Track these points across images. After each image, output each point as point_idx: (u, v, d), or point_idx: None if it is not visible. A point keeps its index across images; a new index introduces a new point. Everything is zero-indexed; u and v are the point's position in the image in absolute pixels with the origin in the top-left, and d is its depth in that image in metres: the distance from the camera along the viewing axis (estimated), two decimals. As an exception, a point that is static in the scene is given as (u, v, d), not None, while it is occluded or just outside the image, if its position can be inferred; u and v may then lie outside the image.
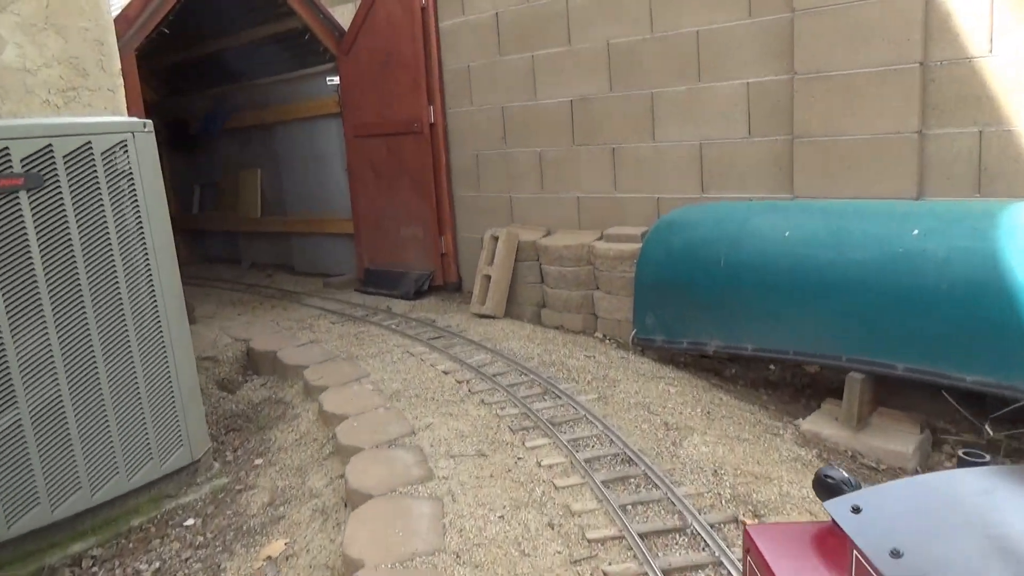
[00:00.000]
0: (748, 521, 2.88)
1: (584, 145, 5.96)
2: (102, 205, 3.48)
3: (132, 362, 3.56)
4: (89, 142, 3.46)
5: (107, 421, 3.47)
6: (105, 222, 3.49)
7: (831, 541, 1.30)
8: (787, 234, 3.91)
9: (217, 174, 10.07)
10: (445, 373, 4.67)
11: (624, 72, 5.61)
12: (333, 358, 5.16)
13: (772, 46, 4.82)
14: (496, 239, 6.18)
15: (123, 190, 3.60)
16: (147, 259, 3.69)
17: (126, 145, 3.65)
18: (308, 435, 4.20)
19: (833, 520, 1.24)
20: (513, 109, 6.40)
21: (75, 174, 3.39)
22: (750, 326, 4.14)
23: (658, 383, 4.33)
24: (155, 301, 3.71)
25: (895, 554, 1.05)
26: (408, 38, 6.77)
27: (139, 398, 3.60)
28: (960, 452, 1.33)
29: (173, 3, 6.26)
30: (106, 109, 5.97)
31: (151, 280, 3.70)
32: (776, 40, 4.79)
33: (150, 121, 3.84)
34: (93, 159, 3.47)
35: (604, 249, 5.48)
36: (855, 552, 1.12)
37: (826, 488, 1.32)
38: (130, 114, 6.26)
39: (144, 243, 3.68)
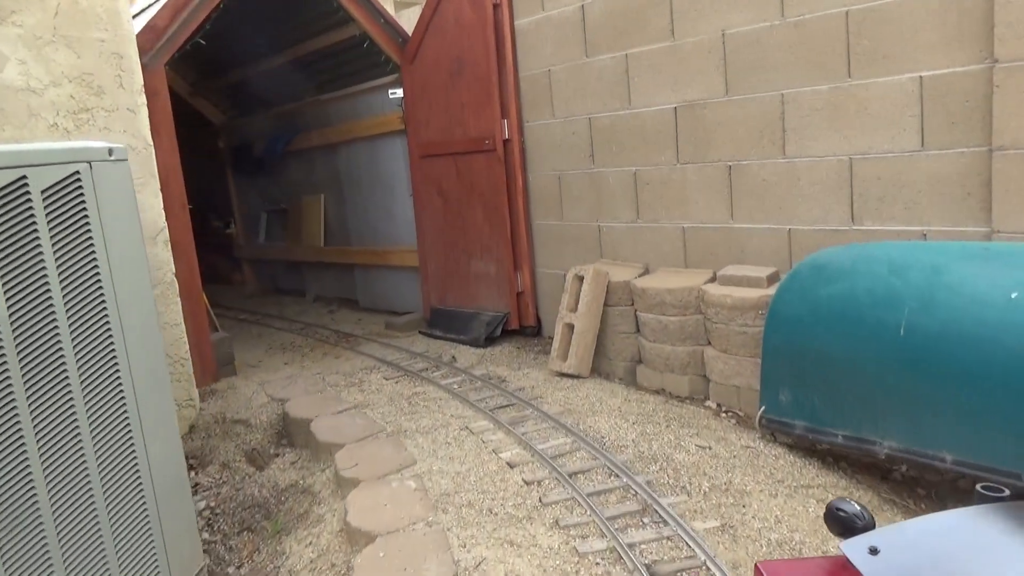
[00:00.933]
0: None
1: (692, 163, 4.78)
2: (41, 262, 2.59)
3: (87, 478, 2.65)
4: (23, 177, 2.57)
5: (48, 553, 2.56)
6: (46, 285, 2.60)
7: (840, 571, 1.24)
8: (1014, 295, 2.63)
9: (283, 199, 9.40)
10: (510, 466, 3.58)
11: (744, 69, 4.41)
12: (375, 434, 4.17)
13: (958, 25, 3.53)
14: (581, 279, 5.07)
15: (74, 239, 2.71)
16: (108, 330, 2.79)
17: (79, 180, 2.75)
18: (327, 554, 3.21)
19: (849, 560, 1.20)
20: (602, 120, 5.29)
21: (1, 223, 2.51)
22: (949, 426, 2.87)
23: (805, 500, 3.10)
24: (120, 388, 2.80)
25: None
26: (479, 40, 5.79)
27: (96, 522, 2.69)
28: (979, 487, 1.26)
29: (208, 11, 5.51)
30: (125, 132, 5.25)
31: (114, 358, 2.79)
32: (964, 17, 3.49)
33: (121, 147, 2.93)
34: (29, 200, 2.58)
35: (718, 295, 4.29)
36: None
37: (838, 522, 1.28)
38: (159, 138, 5.56)
39: (104, 308, 2.78)
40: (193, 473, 4.70)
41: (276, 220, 9.83)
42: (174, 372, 5.14)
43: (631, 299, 4.93)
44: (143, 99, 4.91)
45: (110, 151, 2.88)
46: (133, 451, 2.86)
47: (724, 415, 4.28)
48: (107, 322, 2.79)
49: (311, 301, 8.97)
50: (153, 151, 4.95)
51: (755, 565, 1.35)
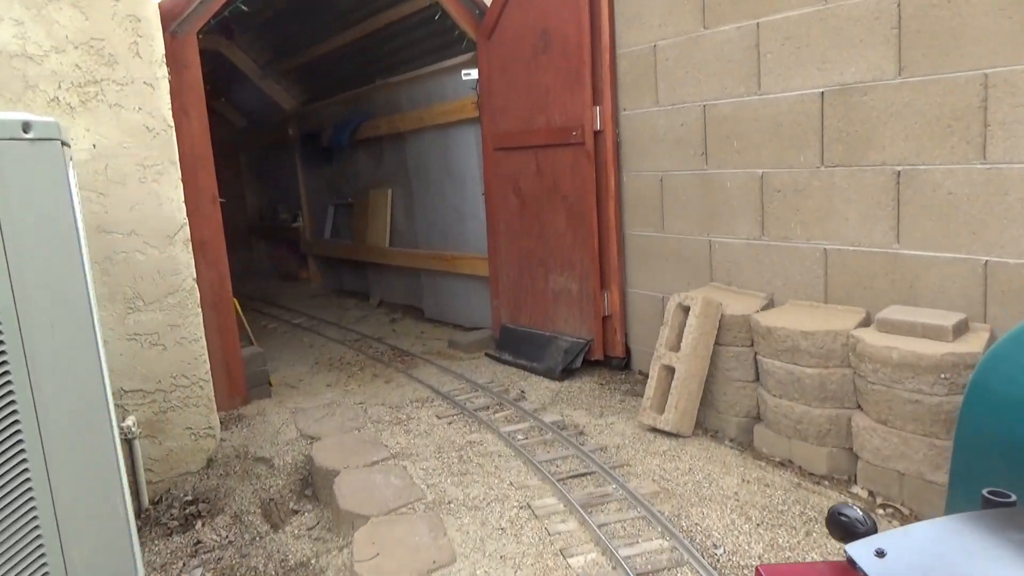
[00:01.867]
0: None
1: (842, 166, 3.64)
2: None
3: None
4: None
5: None
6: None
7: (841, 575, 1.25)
8: None
9: (350, 193, 8.66)
10: (583, 581, 2.58)
11: (927, 40, 3.24)
12: (411, 504, 3.25)
13: None
14: (686, 310, 4.00)
15: (-44, 254, 1.88)
16: (8, 386, 1.94)
17: (-34, 167, 1.91)
18: None
19: (852, 563, 1.19)
20: (721, 108, 4.20)
21: None
22: None
23: None
24: (22, 470, 1.96)
25: None
26: (570, 9, 4.79)
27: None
28: (985, 492, 1.27)
29: (251, -31, 4.70)
30: (140, 110, 4.51)
31: (14, 424, 1.95)
32: None
33: (49, 121, 2.09)
34: None
35: (879, 347, 3.15)
36: None
37: (839, 526, 1.27)
38: (187, 120, 4.80)
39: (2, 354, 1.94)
40: (200, 523, 3.91)
41: (343, 215, 9.11)
42: (190, 396, 4.37)
43: (750, 339, 3.83)
44: (164, 71, 4.15)
45: (26, 126, 2.03)
46: (44, 561, 2.01)
47: (881, 510, 3.14)
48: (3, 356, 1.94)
49: (375, 306, 8.18)
50: (174, 134, 4.18)
51: (756, 568, 1.33)
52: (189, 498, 4.17)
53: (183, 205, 4.25)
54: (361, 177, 8.30)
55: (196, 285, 4.34)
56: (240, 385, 4.92)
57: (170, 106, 4.17)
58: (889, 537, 1.19)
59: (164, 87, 4.15)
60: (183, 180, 4.51)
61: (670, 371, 3.99)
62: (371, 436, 4.16)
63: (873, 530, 1.26)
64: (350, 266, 8.81)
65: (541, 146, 5.22)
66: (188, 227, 4.29)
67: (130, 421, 4.22)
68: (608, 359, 5.12)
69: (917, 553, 1.15)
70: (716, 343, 3.95)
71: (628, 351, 5.10)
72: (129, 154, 4.08)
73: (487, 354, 5.75)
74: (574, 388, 4.82)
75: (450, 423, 4.32)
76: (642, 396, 4.52)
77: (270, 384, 5.35)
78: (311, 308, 8.33)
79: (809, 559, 2.67)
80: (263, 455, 4.24)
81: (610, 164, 4.89)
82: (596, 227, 4.96)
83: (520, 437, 3.99)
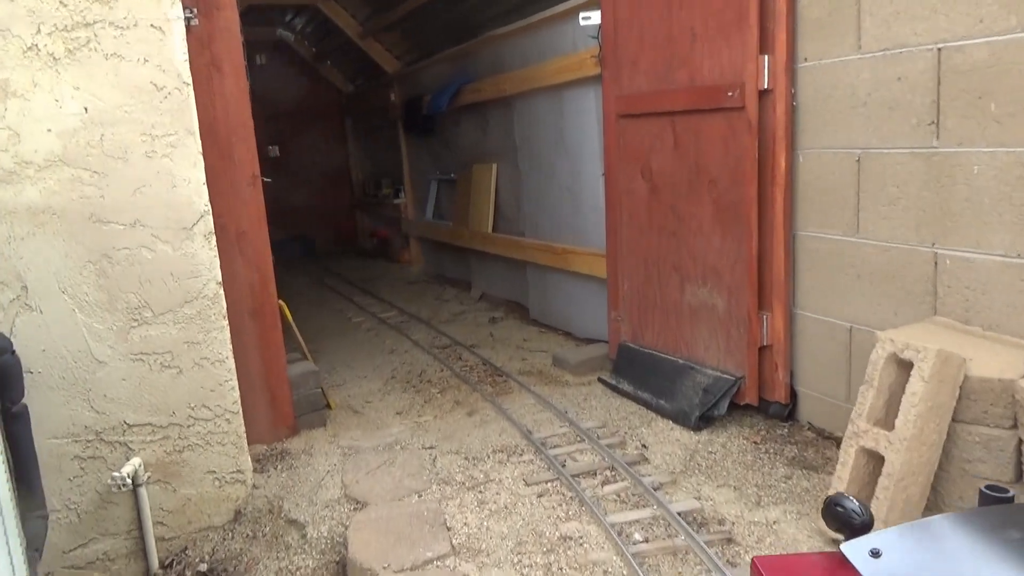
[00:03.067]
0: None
1: None
2: None
3: None
4: None
5: None
6: None
7: (836, 567, 1.22)
8: None
9: (453, 167, 7.60)
10: None
11: None
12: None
13: None
14: (906, 364, 2.61)
15: None
16: None
17: None
18: None
19: (852, 563, 1.18)
20: (971, 52, 2.74)
21: None
22: None
23: None
24: None
25: None
26: (730, -82, 3.41)
27: None
28: (982, 488, 1.27)
29: None
30: (147, 62, 3.53)
31: None
32: None
33: None
34: None
35: None
36: None
37: (835, 518, 1.26)
38: (219, 75, 3.79)
39: None
40: (204, 613, 2.98)
41: (445, 192, 8.09)
42: (214, 431, 3.44)
43: (1012, 416, 2.42)
44: (178, 10, 3.16)
45: None
46: None
47: None
48: None
49: (475, 300, 7.11)
50: (191, 93, 3.19)
51: (752, 561, 1.32)
52: (204, 568, 3.26)
53: (204, 187, 3.27)
54: (464, 149, 7.21)
55: (221, 290, 3.38)
56: (286, 413, 3.97)
57: (187, 57, 3.18)
58: (884, 536, 1.19)
59: (178, 32, 3.16)
60: (214, 154, 3.57)
61: (874, 458, 2.63)
62: (432, 509, 3.06)
63: (869, 522, 1.23)
64: (452, 251, 7.78)
65: (681, 112, 3.90)
66: (211, 215, 3.32)
67: (134, 464, 3.33)
68: (764, 404, 3.78)
69: (912, 552, 1.15)
70: (953, 418, 2.55)
71: (793, 395, 3.74)
72: (132, 120, 3.13)
73: (601, 379, 4.52)
74: (716, 446, 3.52)
75: (540, 495, 3.15)
76: (815, 469, 3.18)
77: (328, 406, 4.38)
78: (405, 299, 7.37)
79: None
80: (297, 517, 3.26)
81: (780, 137, 3.50)
82: (755, 224, 3.60)
83: (638, 538, 2.76)
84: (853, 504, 1.25)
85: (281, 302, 4.15)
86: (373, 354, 5.54)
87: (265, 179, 3.86)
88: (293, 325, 4.34)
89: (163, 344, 3.32)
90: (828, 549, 2.63)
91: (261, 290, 3.80)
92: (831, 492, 2.79)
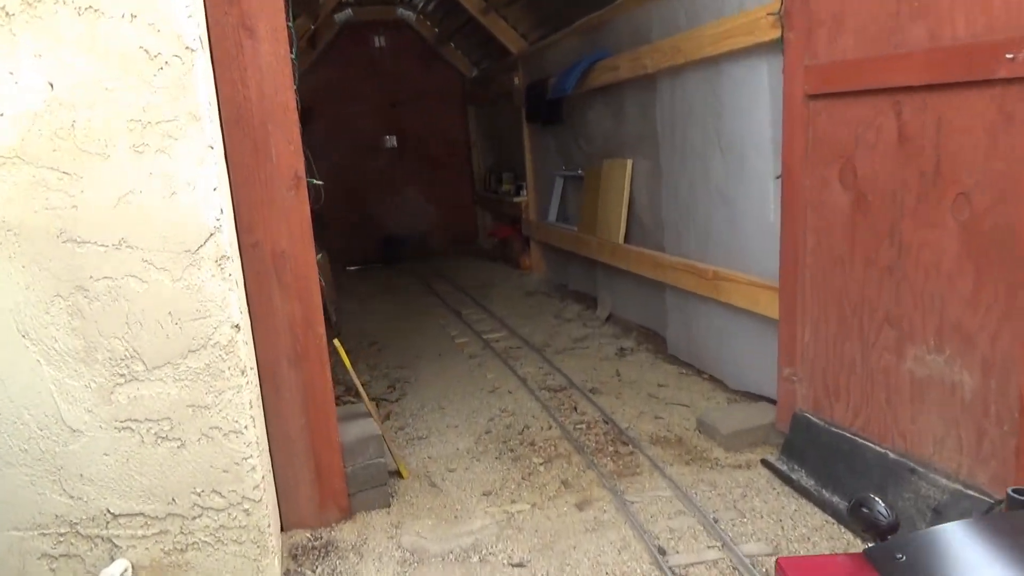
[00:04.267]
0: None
1: None
2: None
3: None
4: None
5: None
6: None
7: (860, 569, 1.23)
8: None
9: (581, 162, 6.49)
10: None
11: None
12: None
13: None
14: None
15: None
16: None
17: None
18: None
19: (875, 567, 1.18)
20: None
21: None
22: None
23: None
24: None
25: None
26: None
27: None
28: (1010, 491, 1.24)
29: None
30: (133, 19, 2.54)
31: None
32: None
33: None
34: None
35: None
36: None
37: (861, 519, 1.26)
38: (250, 45, 2.63)
39: None
40: None
41: (571, 191, 6.98)
42: (227, 525, 2.56)
43: None
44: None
45: None
46: None
47: None
48: None
49: (602, 322, 5.99)
50: (199, 65, 2.29)
51: (777, 561, 1.32)
52: None
53: (216, 194, 2.38)
54: (594, 141, 6.08)
55: (240, 335, 2.48)
56: (336, 489, 3.03)
57: (194, 13, 2.27)
58: (910, 540, 1.17)
59: (186, -13, 2.26)
60: (243, 148, 2.69)
61: None
62: None
63: (896, 524, 1.22)
64: (577, 259, 6.68)
65: (913, 88, 2.60)
66: (225, 232, 2.41)
67: (121, 566, 2.51)
68: (1036, 543, 2.45)
69: (938, 557, 1.12)
70: None
71: (1089, 534, 2.39)
72: (115, 101, 2.26)
73: (766, 462, 3.29)
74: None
75: None
76: None
77: (400, 474, 3.42)
78: (519, 315, 6.36)
79: None
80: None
81: (1096, 125, 2.16)
82: (1039, 264, 2.28)
83: None
84: (879, 506, 1.22)
85: (336, 342, 3.23)
86: (471, 393, 4.55)
87: (314, 181, 2.93)
88: (353, 373, 3.40)
89: (159, 408, 2.46)
90: None
91: (305, 329, 2.87)
92: None
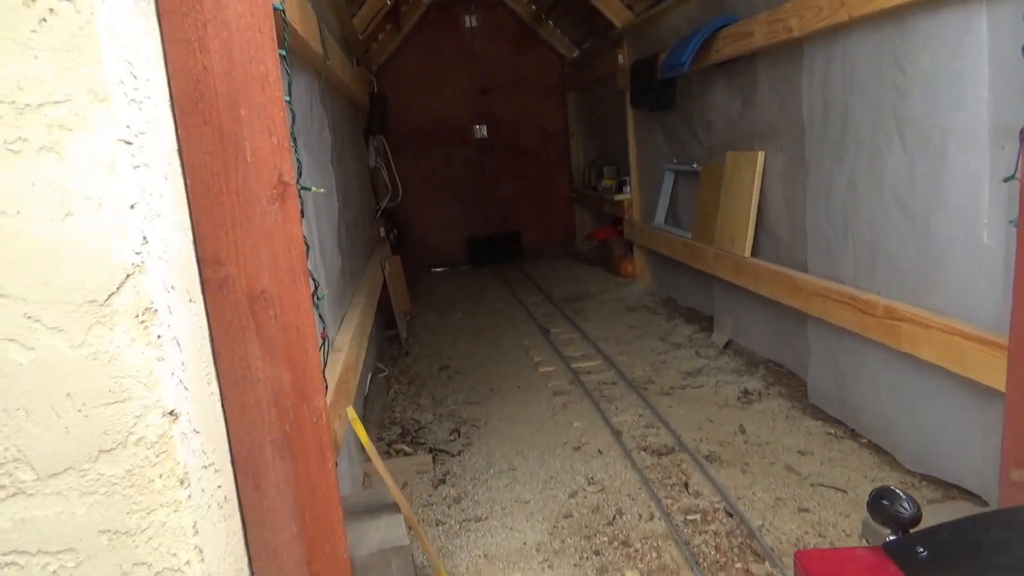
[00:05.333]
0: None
1: None
2: None
3: None
4: None
5: None
6: None
7: (880, 561, 1.21)
8: None
9: (697, 154, 5.41)
10: None
11: None
12: None
13: None
14: None
15: None
16: None
17: None
18: None
19: (895, 561, 1.16)
20: None
21: None
22: None
23: None
24: None
25: None
26: None
27: None
28: None
29: None
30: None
31: None
32: None
33: None
34: None
35: None
36: None
37: (881, 512, 1.24)
38: None
39: None
40: None
41: (684, 188, 5.90)
42: None
43: None
44: None
45: None
46: None
47: None
48: None
49: (719, 348, 4.91)
50: (108, 13, 1.45)
51: (796, 556, 1.31)
52: None
53: (134, 214, 1.53)
54: (714, 129, 4.98)
55: (176, 427, 1.64)
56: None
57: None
58: (929, 533, 1.16)
59: None
60: (203, 142, 1.86)
61: None
62: None
63: (917, 515, 1.20)
64: (690, 270, 5.62)
65: None
66: (153, 273, 1.58)
67: None
68: None
69: (957, 550, 1.11)
70: None
71: None
72: (-33, 71, 1.46)
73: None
74: None
75: None
76: None
77: (441, 587, 2.53)
78: (617, 338, 5.36)
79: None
80: None
81: None
82: None
83: None
84: (900, 498, 1.20)
85: (350, 411, 2.36)
86: (551, 448, 3.61)
87: (309, 188, 2.06)
88: (372, 452, 2.49)
89: (58, 535, 1.66)
90: None
91: (298, 401, 2.01)
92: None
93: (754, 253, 4.34)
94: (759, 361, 4.54)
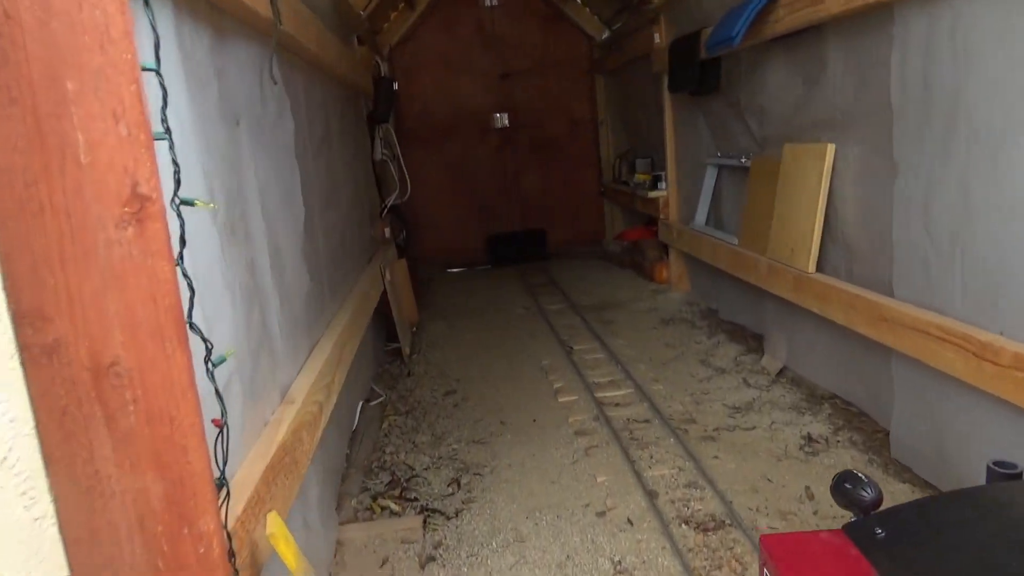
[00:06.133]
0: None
1: None
2: None
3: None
4: None
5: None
6: None
7: (846, 545, 1.23)
8: None
9: (747, 145, 4.67)
10: None
11: None
12: None
13: None
14: None
15: None
16: None
17: None
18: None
19: (855, 543, 1.21)
20: None
21: None
22: None
23: None
24: None
25: None
26: None
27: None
28: (990, 463, 1.25)
29: None
30: None
31: None
32: None
33: None
34: None
35: None
36: None
37: (843, 495, 1.27)
38: None
39: None
40: None
41: (729, 185, 5.15)
42: None
43: None
44: None
45: None
46: None
47: None
48: None
49: (771, 376, 4.18)
50: None
51: (760, 540, 1.35)
52: None
53: None
54: (770, 116, 4.24)
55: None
56: None
57: None
58: (888, 514, 1.18)
59: None
60: (7, 133, 1.12)
61: None
62: None
63: (878, 499, 1.23)
64: (734, 282, 4.89)
65: None
66: None
67: None
68: None
69: (914, 529, 1.13)
70: None
71: None
72: None
73: None
74: None
75: None
76: None
77: None
78: (650, 360, 4.65)
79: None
80: None
81: None
82: None
83: None
84: (863, 482, 1.22)
85: (272, 517, 1.68)
86: (568, 512, 2.92)
87: (198, 203, 1.38)
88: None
89: None
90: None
91: (174, 525, 1.36)
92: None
93: (820, 267, 3.60)
94: (822, 396, 3.80)
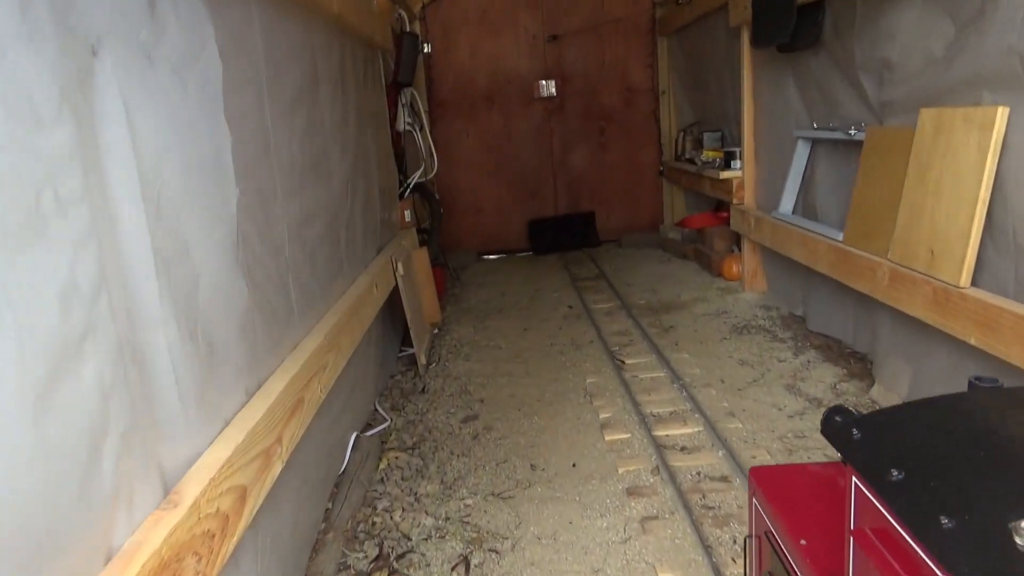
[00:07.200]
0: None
1: None
2: None
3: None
4: None
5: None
6: None
7: (835, 476, 1.26)
8: None
9: (856, 111, 3.66)
10: None
11: None
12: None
13: None
14: None
15: None
16: None
17: None
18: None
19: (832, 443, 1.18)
20: None
21: None
22: None
23: None
24: None
25: (894, 476, 0.97)
26: None
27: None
28: (971, 379, 1.20)
29: None
30: None
31: None
32: None
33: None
34: None
35: None
36: (854, 478, 1.06)
37: (833, 427, 1.20)
38: None
39: None
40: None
41: (828, 165, 4.14)
42: None
43: None
44: None
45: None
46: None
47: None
48: None
49: (876, 395, 3.23)
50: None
51: (750, 472, 1.35)
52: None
53: None
54: (897, 72, 3.22)
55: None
56: None
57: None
58: (864, 419, 1.15)
59: None
60: None
61: None
62: None
63: None
64: (828, 284, 3.90)
65: None
66: None
67: None
68: None
69: (890, 431, 1.12)
70: None
71: None
72: None
73: None
74: None
75: None
76: None
77: None
78: (719, 381, 3.71)
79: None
80: None
81: None
82: None
83: None
84: (853, 415, 1.19)
85: None
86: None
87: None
88: None
89: None
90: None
91: None
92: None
93: (975, 280, 2.61)
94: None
